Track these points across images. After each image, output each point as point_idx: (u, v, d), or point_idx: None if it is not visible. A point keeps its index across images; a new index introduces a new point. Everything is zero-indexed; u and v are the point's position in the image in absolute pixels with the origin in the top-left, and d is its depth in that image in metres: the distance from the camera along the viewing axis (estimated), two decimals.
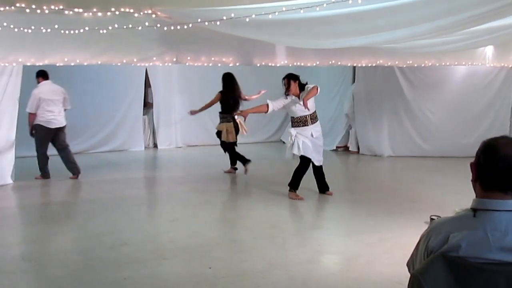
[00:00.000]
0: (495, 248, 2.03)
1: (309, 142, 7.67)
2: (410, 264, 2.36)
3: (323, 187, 8.05)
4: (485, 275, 2.02)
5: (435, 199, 7.63)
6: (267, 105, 7.62)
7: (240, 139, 14.10)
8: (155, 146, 13.43)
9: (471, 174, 2.20)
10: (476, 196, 2.18)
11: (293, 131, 7.70)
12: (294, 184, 7.84)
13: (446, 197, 7.70)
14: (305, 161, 7.76)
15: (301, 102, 7.44)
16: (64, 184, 9.02)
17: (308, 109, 7.52)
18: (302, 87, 7.67)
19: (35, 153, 9.35)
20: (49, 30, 6.91)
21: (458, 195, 7.51)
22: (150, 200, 8.43)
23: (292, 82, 7.63)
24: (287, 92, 7.66)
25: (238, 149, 9.83)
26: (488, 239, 2.04)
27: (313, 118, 7.72)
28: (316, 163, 7.86)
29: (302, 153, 7.65)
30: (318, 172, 7.98)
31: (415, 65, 10.41)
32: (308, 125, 7.67)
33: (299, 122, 7.69)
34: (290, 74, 7.78)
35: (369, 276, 4.79)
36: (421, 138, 11.72)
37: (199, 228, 6.43)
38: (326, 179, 8.04)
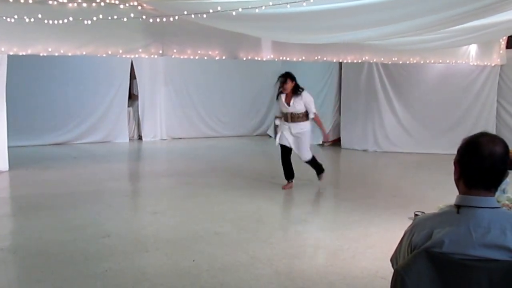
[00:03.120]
0: (477, 244, 2.04)
1: (288, 135, 7.90)
2: (393, 259, 2.36)
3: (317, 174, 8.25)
4: (467, 271, 2.04)
5: (419, 195, 7.68)
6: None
7: (226, 132, 14.14)
8: (140, 138, 13.38)
9: (453, 171, 2.21)
10: (459, 193, 2.19)
11: (277, 121, 8.16)
12: (285, 174, 8.12)
13: (429, 192, 7.75)
14: (282, 150, 8.06)
15: (285, 103, 7.85)
16: (45, 175, 8.94)
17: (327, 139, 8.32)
18: (297, 88, 7.86)
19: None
20: (32, 19, 6.83)
21: (441, 191, 7.58)
22: (133, 193, 8.38)
23: (289, 81, 7.81)
24: (280, 90, 7.88)
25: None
26: (471, 235, 2.06)
27: (294, 117, 7.86)
28: (302, 159, 8.05)
29: (279, 142, 8.00)
30: (309, 164, 8.15)
31: (400, 62, 10.47)
32: (288, 122, 7.89)
33: (281, 117, 8.03)
34: (289, 73, 7.93)
35: (353, 271, 4.80)
36: (404, 134, 11.78)
37: (182, 221, 6.41)
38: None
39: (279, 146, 8.05)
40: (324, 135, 8.60)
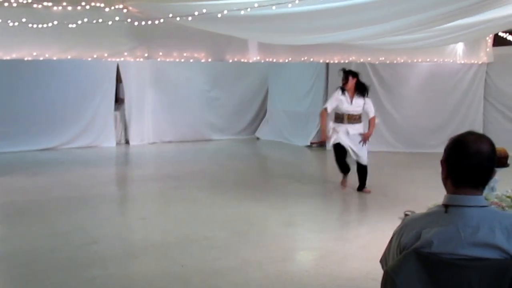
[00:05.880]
0: (467, 243, 2.04)
1: (343, 136, 7.72)
2: (383, 261, 2.35)
3: (360, 185, 8.02)
4: (457, 271, 2.03)
5: (408, 194, 7.67)
6: (326, 109, 7.73)
7: (214, 135, 14.07)
8: (127, 142, 13.25)
9: (441, 170, 2.20)
10: (447, 192, 2.19)
11: (332, 124, 7.84)
12: (342, 170, 7.97)
13: (420, 191, 7.71)
14: (337, 149, 7.84)
15: (348, 101, 7.69)
16: (32, 181, 8.84)
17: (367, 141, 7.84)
18: (360, 86, 7.81)
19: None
20: (16, 23, 6.77)
21: (430, 189, 7.50)
22: (121, 198, 8.32)
23: (350, 78, 7.72)
24: (344, 87, 7.74)
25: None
26: (459, 235, 2.05)
27: (351, 118, 7.73)
28: (361, 162, 7.87)
29: (336, 142, 7.74)
30: (361, 170, 7.96)
31: (387, 62, 10.48)
32: (343, 123, 7.73)
33: (337, 118, 7.81)
34: (351, 70, 7.90)
35: (344, 273, 4.78)
36: (393, 134, 11.79)
37: (171, 225, 6.36)
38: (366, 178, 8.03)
39: (333, 148, 7.90)
40: (368, 135, 7.87)
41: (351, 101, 7.69)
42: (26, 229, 6.18)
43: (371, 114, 7.81)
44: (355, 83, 7.74)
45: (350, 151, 7.77)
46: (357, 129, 7.77)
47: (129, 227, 6.51)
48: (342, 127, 7.71)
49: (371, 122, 7.83)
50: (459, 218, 2.08)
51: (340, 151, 7.82)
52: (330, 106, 7.72)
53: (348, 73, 7.78)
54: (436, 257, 2.05)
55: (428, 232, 2.09)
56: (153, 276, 4.74)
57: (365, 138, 7.76)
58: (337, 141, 7.71)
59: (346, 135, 7.70)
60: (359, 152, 7.78)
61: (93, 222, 6.47)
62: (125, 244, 5.65)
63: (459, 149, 2.12)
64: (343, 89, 7.75)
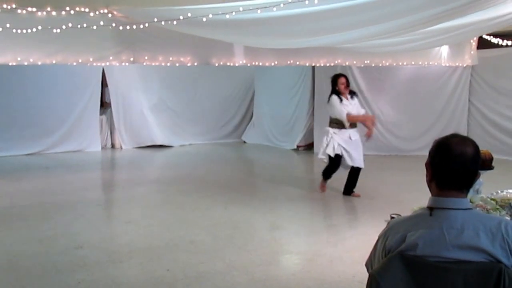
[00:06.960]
0: (451, 246, 2.04)
1: (346, 144, 7.55)
2: (368, 264, 2.36)
3: (349, 189, 7.93)
4: (442, 274, 2.03)
5: (395, 197, 7.68)
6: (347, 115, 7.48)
7: (200, 138, 14.03)
8: (113, 146, 13.21)
9: (425, 173, 2.21)
10: (432, 195, 2.19)
11: (331, 130, 7.64)
12: (328, 176, 7.92)
13: (405, 194, 7.75)
14: (335, 162, 7.65)
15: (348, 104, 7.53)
16: (16, 186, 8.76)
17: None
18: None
19: None
20: (0, 29, 6.72)
21: (418, 192, 7.52)
22: (107, 202, 8.26)
23: (346, 80, 7.64)
24: (340, 91, 7.57)
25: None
26: (444, 237, 2.05)
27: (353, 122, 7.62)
28: (356, 165, 7.70)
29: (336, 153, 7.53)
30: (355, 174, 7.85)
31: (373, 65, 10.52)
32: (347, 128, 7.56)
33: (337, 123, 7.59)
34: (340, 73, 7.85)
35: (330, 276, 4.78)
36: (378, 137, 11.80)
37: (157, 229, 6.33)
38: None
39: (330, 159, 7.66)
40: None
41: (351, 103, 7.59)
42: (9, 235, 6.11)
43: (362, 110, 7.84)
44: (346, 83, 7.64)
45: (348, 158, 7.60)
46: (357, 133, 7.69)
47: (114, 231, 6.47)
48: (345, 134, 7.55)
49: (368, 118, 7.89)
50: (443, 221, 2.09)
51: (338, 162, 7.64)
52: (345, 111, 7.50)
53: (340, 75, 7.69)
54: (421, 260, 2.06)
55: (413, 235, 2.09)
56: (138, 281, 4.70)
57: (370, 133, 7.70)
58: (337, 152, 7.52)
59: (348, 141, 7.55)
60: (359, 156, 7.66)
61: (78, 227, 6.41)
62: (110, 248, 5.60)
63: (443, 151, 2.13)
64: (339, 96, 7.54)
